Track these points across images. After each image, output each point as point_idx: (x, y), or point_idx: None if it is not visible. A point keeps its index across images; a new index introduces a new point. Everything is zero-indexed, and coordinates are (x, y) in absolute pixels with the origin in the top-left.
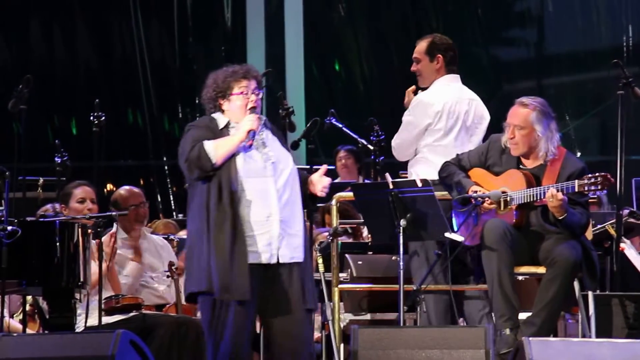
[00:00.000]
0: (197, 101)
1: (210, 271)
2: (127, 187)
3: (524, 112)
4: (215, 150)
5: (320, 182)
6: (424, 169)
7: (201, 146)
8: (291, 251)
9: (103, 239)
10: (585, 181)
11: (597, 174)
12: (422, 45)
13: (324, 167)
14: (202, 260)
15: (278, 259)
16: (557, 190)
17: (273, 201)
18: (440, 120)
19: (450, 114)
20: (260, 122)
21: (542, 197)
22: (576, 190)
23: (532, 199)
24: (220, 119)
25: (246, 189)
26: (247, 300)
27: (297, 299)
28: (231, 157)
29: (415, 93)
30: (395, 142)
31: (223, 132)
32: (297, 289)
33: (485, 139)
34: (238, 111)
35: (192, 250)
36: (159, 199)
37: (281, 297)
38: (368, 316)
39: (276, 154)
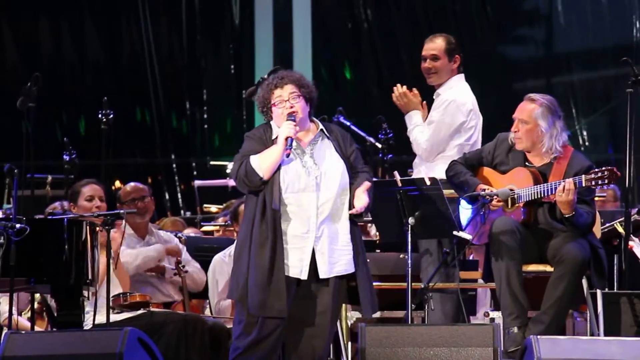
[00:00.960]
0: (205, 98)
1: (248, 287)
2: (132, 183)
3: (530, 107)
4: (260, 164)
5: (358, 200)
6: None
7: (247, 162)
8: (331, 266)
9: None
10: (592, 175)
11: (603, 168)
12: (440, 44)
13: (366, 185)
14: (242, 273)
15: (317, 274)
16: (570, 182)
17: (312, 217)
18: (472, 118)
19: (476, 111)
20: (296, 129)
21: (549, 194)
22: (584, 184)
23: (539, 196)
24: (275, 128)
25: (288, 205)
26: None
27: (325, 315)
28: (277, 171)
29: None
30: (426, 143)
31: (274, 142)
32: (329, 304)
33: (485, 137)
34: (279, 121)
35: (236, 261)
36: (167, 197)
37: (309, 313)
38: (376, 314)
39: (324, 166)
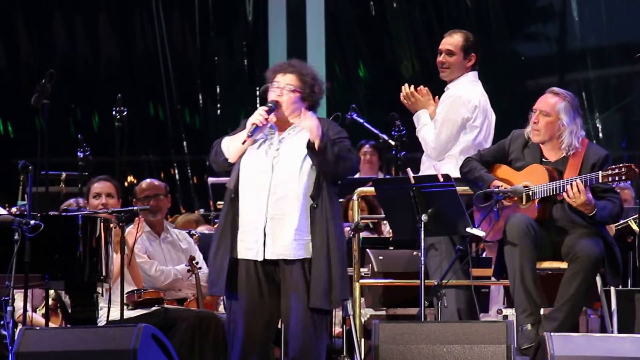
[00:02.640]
0: (218, 95)
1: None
2: (148, 180)
3: (553, 100)
4: (228, 145)
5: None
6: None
7: (219, 143)
8: (280, 249)
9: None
10: (609, 172)
11: (620, 165)
12: (457, 40)
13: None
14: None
15: (264, 255)
16: (579, 184)
17: (263, 197)
18: (477, 116)
19: (483, 110)
20: (268, 118)
21: (564, 190)
22: (600, 181)
23: (554, 192)
24: None
25: (247, 187)
26: (246, 296)
27: (295, 297)
28: (243, 153)
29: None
30: (434, 142)
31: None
32: (295, 286)
33: (499, 134)
34: None
35: None
36: (180, 193)
37: (279, 294)
38: (389, 311)
39: (286, 150)
